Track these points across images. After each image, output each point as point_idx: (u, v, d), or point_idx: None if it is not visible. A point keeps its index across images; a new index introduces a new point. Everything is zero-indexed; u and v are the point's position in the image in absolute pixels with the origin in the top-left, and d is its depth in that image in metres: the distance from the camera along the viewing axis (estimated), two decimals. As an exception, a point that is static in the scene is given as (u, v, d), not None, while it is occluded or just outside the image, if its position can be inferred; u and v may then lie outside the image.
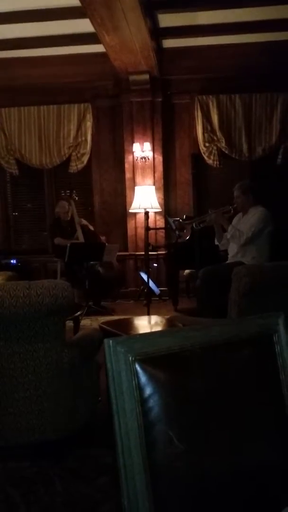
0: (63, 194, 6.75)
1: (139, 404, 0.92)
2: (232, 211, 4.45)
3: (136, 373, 0.93)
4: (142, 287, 6.30)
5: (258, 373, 1.12)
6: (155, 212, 6.43)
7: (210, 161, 6.47)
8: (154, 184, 6.41)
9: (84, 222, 5.97)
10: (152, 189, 6.33)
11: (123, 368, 0.92)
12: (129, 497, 0.93)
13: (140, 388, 0.93)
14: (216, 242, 4.54)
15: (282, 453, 1.11)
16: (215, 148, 6.45)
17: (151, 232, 6.07)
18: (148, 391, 0.93)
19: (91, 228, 6.13)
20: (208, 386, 1.03)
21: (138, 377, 0.93)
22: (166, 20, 5.48)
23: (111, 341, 0.93)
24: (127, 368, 0.92)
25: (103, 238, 6.16)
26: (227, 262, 4.44)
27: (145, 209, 5.78)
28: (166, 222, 6.25)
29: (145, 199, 6.18)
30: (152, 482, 0.93)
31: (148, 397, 0.93)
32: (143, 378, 0.93)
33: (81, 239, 5.66)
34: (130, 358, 0.93)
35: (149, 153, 6.36)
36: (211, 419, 1.01)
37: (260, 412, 1.09)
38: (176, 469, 0.94)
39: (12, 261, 6.52)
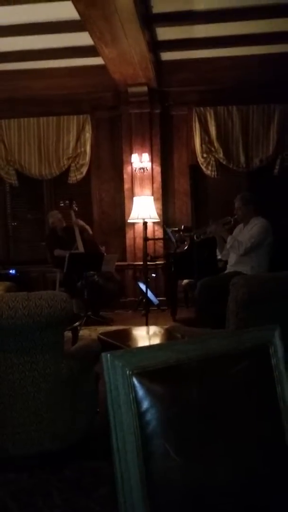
0: (62, 204, 6.78)
1: (137, 417, 0.93)
2: (232, 222, 4.49)
3: (133, 387, 0.94)
4: (140, 297, 6.31)
5: (255, 385, 1.13)
6: (154, 223, 6.46)
7: (208, 172, 6.52)
8: (152, 195, 6.44)
9: (81, 222, 5.98)
10: (150, 199, 6.36)
11: (121, 382, 0.93)
12: (127, 509, 0.93)
13: (137, 402, 0.94)
14: (218, 253, 4.57)
15: (279, 465, 1.12)
16: (213, 159, 6.49)
17: (150, 242, 6.10)
18: (145, 404, 0.95)
19: (89, 230, 6.14)
20: (205, 399, 1.04)
21: (135, 391, 0.94)
22: (164, 33, 5.55)
23: (108, 355, 0.94)
24: (124, 382, 0.93)
25: (102, 248, 6.17)
26: (226, 272, 4.47)
27: (143, 219, 5.81)
28: (165, 232, 6.28)
29: (144, 209, 6.21)
30: (149, 495, 0.94)
31: (145, 411, 0.94)
32: (140, 392, 0.95)
33: (81, 248, 5.67)
34: (128, 372, 0.94)
35: (147, 164, 6.40)
36: (208, 432, 1.02)
37: (257, 425, 1.10)
38: (173, 482, 0.95)
39: (11, 271, 6.52)
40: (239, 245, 4.17)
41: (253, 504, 1.06)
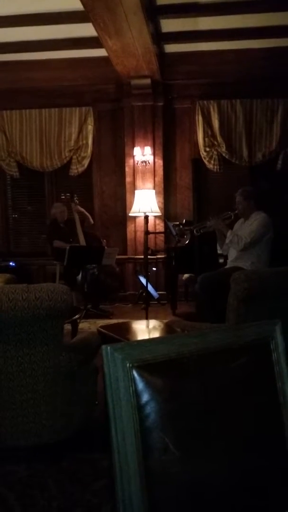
0: (63, 197, 6.77)
1: (136, 410, 0.93)
2: (232, 217, 4.48)
3: (133, 380, 0.94)
4: (140, 290, 6.30)
5: (255, 380, 1.12)
6: (155, 216, 6.44)
7: (210, 166, 6.49)
8: (154, 188, 6.42)
9: (81, 209, 5.96)
10: (152, 193, 6.34)
11: (121, 374, 0.93)
12: (125, 502, 0.93)
13: (137, 395, 0.93)
14: (218, 248, 4.56)
15: (278, 460, 1.12)
16: (215, 153, 6.47)
17: (151, 236, 6.08)
18: (145, 397, 0.94)
19: (90, 218, 6.12)
20: (205, 393, 1.03)
21: (135, 384, 0.94)
22: (168, 25, 5.51)
23: (109, 348, 0.93)
24: (124, 375, 0.93)
25: (103, 241, 6.17)
26: (226, 267, 4.46)
27: (144, 213, 5.80)
28: (166, 226, 6.26)
29: (145, 203, 6.19)
30: (148, 488, 0.93)
31: (145, 404, 0.94)
32: (140, 385, 0.94)
33: (82, 241, 5.67)
34: (128, 365, 0.93)
35: (149, 157, 6.37)
36: (208, 426, 1.01)
37: (256, 420, 1.09)
38: (172, 475, 0.95)
39: (11, 263, 6.52)
40: (239, 240, 4.16)
41: (251, 499, 1.06)
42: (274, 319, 1.21)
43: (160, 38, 5.76)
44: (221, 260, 5.19)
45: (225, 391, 1.07)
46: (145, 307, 5.08)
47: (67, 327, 3.26)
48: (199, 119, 6.44)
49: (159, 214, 6.39)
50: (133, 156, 6.43)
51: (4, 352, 2.13)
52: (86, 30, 5.07)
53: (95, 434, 2.47)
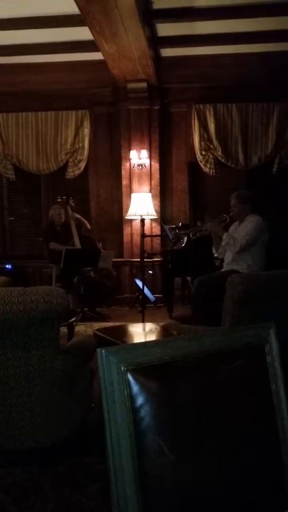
0: (59, 200, 6.77)
1: (131, 413, 0.93)
2: (228, 220, 4.49)
3: (128, 383, 0.94)
4: (137, 293, 6.30)
5: (249, 383, 1.13)
6: (151, 219, 6.44)
7: (206, 169, 6.51)
8: (150, 191, 6.43)
9: (77, 215, 5.97)
10: (148, 196, 6.35)
11: (115, 377, 0.93)
12: (119, 505, 0.93)
13: (132, 398, 0.94)
14: (214, 251, 4.57)
15: (272, 461, 1.12)
16: (211, 156, 6.49)
17: (147, 239, 6.08)
18: (140, 400, 0.94)
19: (87, 224, 6.14)
20: (200, 396, 1.04)
21: (130, 387, 0.94)
22: (165, 29, 5.53)
23: (103, 351, 0.94)
24: (119, 378, 0.93)
25: (99, 244, 6.17)
26: (222, 270, 4.47)
27: (141, 216, 5.80)
28: (162, 229, 6.27)
29: (141, 206, 6.19)
30: (142, 491, 0.94)
31: (139, 407, 0.94)
32: (135, 388, 0.94)
33: (78, 244, 5.66)
34: (123, 368, 0.93)
35: (146, 161, 6.39)
36: (202, 429, 1.02)
37: (251, 422, 1.10)
38: (166, 478, 0.95)
39: (7, 266, 6.50)
40: (235, 242, 4.18)
41: (246, 501, 1.06)
42: (269, 322, 1.22)
43: (156, 42, 5.78)
44: (217, 264, 5.20)
45: (220, 394, 1.07)
46: (142, 310, 5.08)
47: (63, 330, 3.26)
48: (195, 123, 6.46)
49: (156, 217, 6.40)
50: (130, 159, 6.44)
51: (0, 355, 2.13)
52: (83, 33, 5.08)
53: (91, 437, 2.47)
